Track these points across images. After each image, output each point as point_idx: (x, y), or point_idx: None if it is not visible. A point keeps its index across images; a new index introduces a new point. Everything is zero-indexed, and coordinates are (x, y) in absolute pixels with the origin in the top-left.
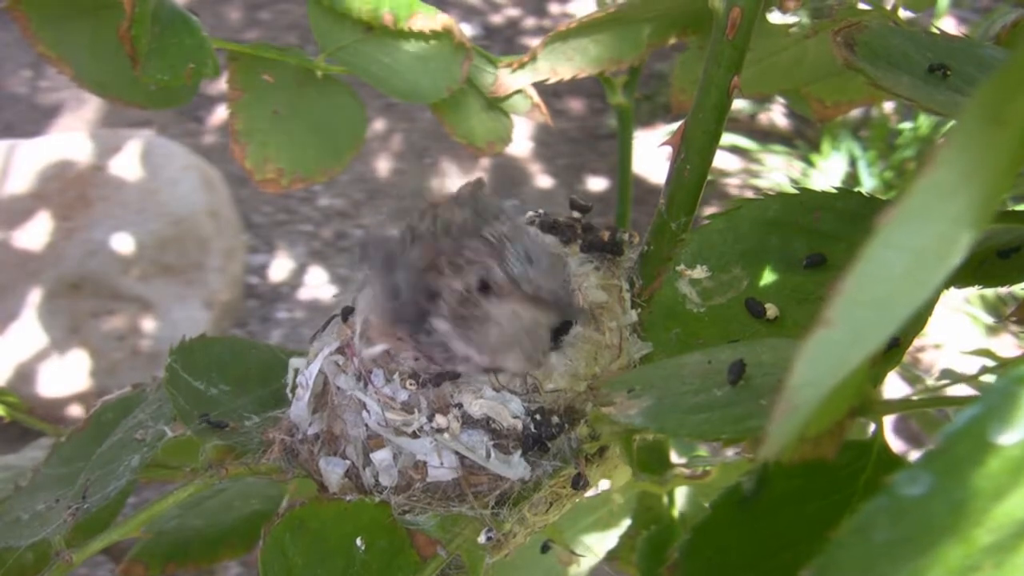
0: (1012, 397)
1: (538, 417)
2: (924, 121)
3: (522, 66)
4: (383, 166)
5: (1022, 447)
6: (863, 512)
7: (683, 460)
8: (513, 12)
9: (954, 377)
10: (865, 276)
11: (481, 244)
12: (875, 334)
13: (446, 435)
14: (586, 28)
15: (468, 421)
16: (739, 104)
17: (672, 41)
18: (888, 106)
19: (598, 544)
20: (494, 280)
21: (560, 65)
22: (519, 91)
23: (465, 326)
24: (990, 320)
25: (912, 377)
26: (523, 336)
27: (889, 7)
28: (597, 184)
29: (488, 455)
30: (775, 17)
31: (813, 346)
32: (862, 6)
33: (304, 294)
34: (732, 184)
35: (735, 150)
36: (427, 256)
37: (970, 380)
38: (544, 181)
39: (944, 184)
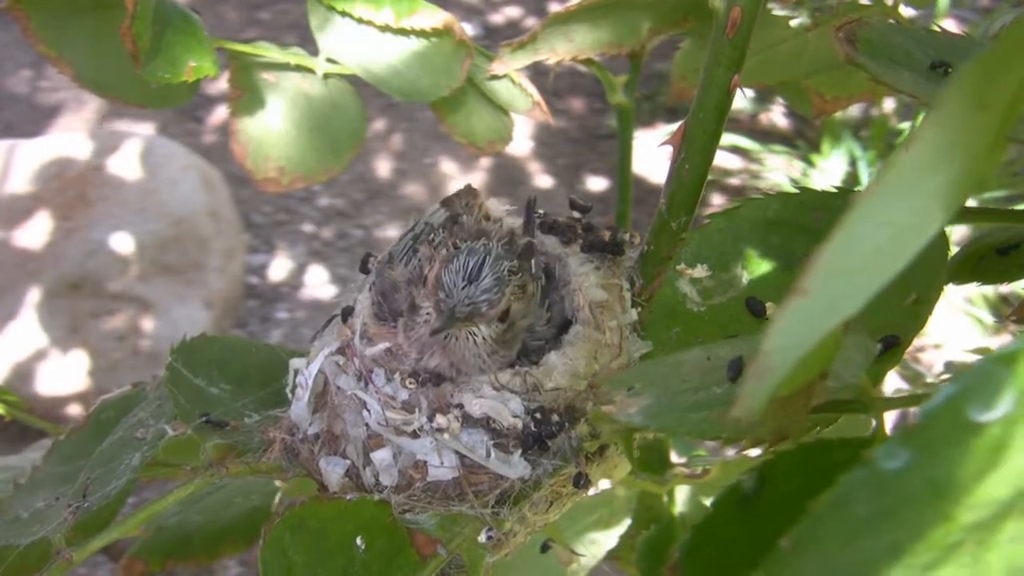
0: (992, 375)
1: (538, 416)
2: None
3: (521, 46)
4: (383, 166)
5: (1002, 425)
6: (842, 484)
7: (683, 459)
8: (513, 12)
9: (957, 370)
10: (841, 247)
11: (444, 251)
12: (848, 303)
13: (446, 435)
14: (586, 11)
15: (468, 421)
16: (739, 104)
17: (672, 29)
18: (888, 106)
19: (598, 544)
20: (425, 275)
21: (560, 46)
22: (520, 88)
23: (412, 315)
24: (990, 320)
25: (912, 375)
26: (441, 343)
27: (890, 4)
28: (597, 184)
29: (488, 454)
30: (776, 10)
31: (788, 314)
32: (863, 1)
33: (304, 294)
34: (732, 184)
35: (735, 150)
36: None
37: None
38: (544, 181)
39: (923, 162)
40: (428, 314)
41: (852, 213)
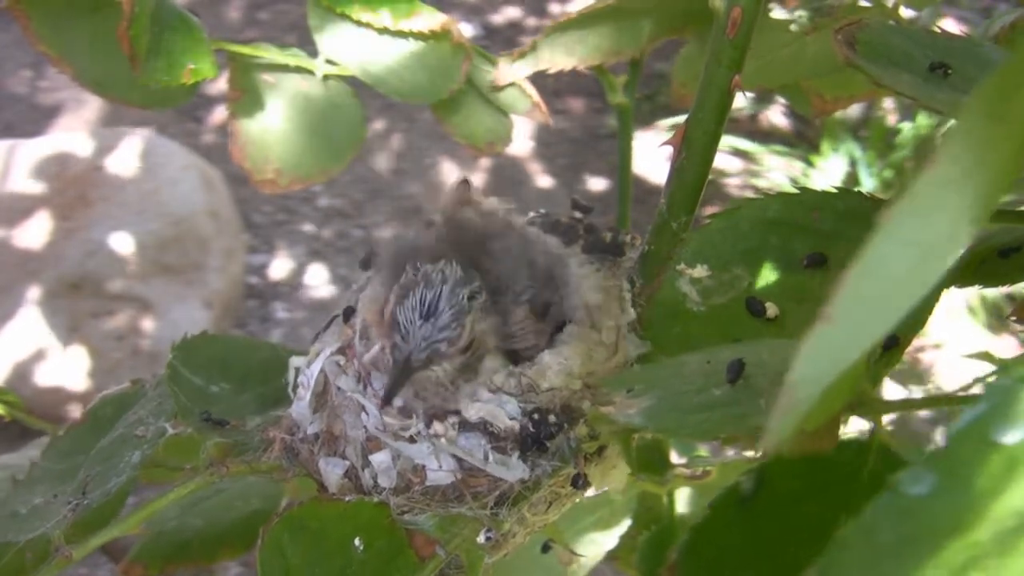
0: (1015, 396)
1: (535, 417)
2: (923, 121)
3: (522, 56)
4: (383, 166)
5: (1023, 445)
6: (867, 511)
7: (683, 460)
8: (513, 12)
9: (945, 397)
10: (867, 272)
11: (402, 280)
12: (875, 330)
13: (443, 440)
14: (586, 20)
15: (465, 425)
16: (739, 104)
17: (672, 36)
18: (888, 106)
19: (598, 544)
20: (382, 314)
21: (560, 55)
22: (520, 89)
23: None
24: (991, 320)
25: (912, 377)
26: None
27: (890, 5)
28: (597, 184)
29: (486, 458)
30: (776, 13)
31: (813, 342)
32: (863, 3)
33: (304, 294)
34: (732, 184)
35: (735, 151)
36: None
37: (964, 391)
38: (544, 181)
39: (947, 179)
40: (380, 347)
41: (876, 235)
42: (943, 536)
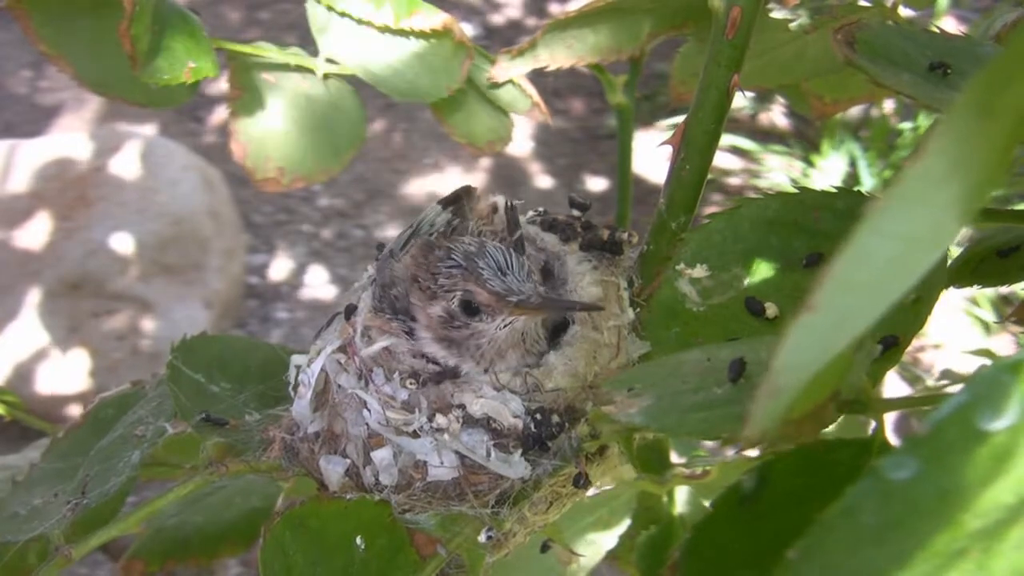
0: (1000, 385)
1: (538, 416)
2: (924, 121)
3: (521, 53)
4: (383, 166)
5: (1009, 433)
6: (849, 494)
7: (683, 459)
8: (513, 12)
9: (954, 378)
10: (852, 262)
11: (452, 268)
12: (859, 319)
13: (446, 435)
14: (586, 17)
15: (468, 421)
16: (739, 104)
17: (672, 33)
18: (888, 106)
19: (598, 544)
20: (479, 302)
21: (559, 53)
22: (519, 89)
23: (452, 343)
24: (991, 320)
25: (912, 377)
26: (519, 339)
27: (889, 5)
28: (597, 184)
29: (488, 454)
30: (776, 13)
31: (798, 331)
32: (862, 3)
33: (304, 294)
34: (732, 184)
35: (735, 150)
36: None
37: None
38: (544, 181)
39: (934, 173)
40: (507, 323)
41: (862, 226)
42: (928, 522)
